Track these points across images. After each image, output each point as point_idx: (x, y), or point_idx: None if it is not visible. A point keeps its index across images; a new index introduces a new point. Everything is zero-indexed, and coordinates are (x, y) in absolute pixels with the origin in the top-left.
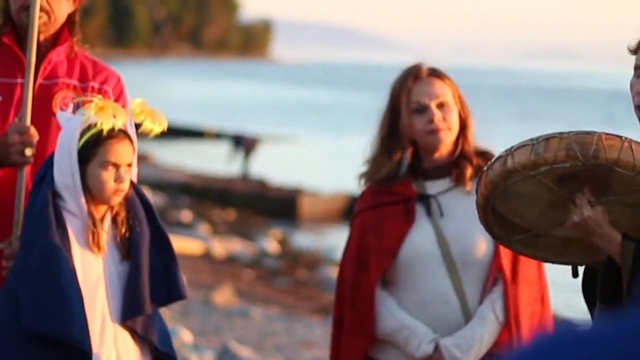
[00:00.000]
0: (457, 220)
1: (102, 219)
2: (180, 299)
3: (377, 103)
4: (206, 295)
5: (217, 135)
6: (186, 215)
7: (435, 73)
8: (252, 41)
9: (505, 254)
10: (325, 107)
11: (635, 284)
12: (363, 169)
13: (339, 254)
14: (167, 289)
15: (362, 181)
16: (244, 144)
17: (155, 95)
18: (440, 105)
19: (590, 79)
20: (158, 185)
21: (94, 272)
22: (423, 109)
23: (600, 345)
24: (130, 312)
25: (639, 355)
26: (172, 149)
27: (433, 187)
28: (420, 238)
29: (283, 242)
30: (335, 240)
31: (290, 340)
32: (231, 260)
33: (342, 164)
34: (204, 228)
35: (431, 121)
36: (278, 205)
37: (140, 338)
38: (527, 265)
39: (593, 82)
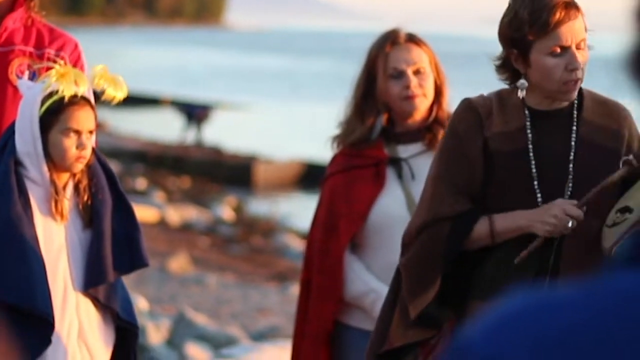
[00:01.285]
0: None
1: (64, 187)
2: (143, 267)
3: (333, 70)
4: (161, 263)
5: (172, 103)
6: (141, 183)
7: (412, 39)
8: (206, 8)
9: None
10: (280, 74)
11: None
12: (336, 132)
13: (294, 220)
14: (130, 256)
15: (335, 144)
16: (196, 115)
17: (110, 63)
18: (417, 72)
19: None
20: (113, 153)
21: (57, 241)
22: (399, 75)
23: (570, 311)
24: (92, 281)
25: (610, 320)
26: (126, 116)
27: (405, 151)
28: (390, 202)
29: (238, 210)
30: (290, 207)
31: (245, 307)
32: (186, 227)
33: (297, 131)
34: (158, 196)
35: (407, 87)
36: (233, 173)
37: (102, 306)
38: None
39: None
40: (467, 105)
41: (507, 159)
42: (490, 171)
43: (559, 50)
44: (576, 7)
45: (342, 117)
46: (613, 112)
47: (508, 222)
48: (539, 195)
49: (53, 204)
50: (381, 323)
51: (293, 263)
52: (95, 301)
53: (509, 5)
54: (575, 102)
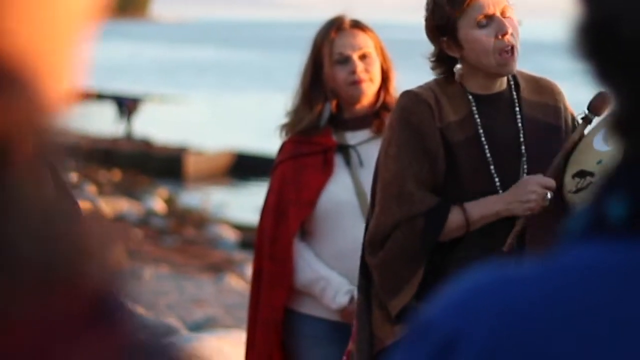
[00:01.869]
0: None
1: None
2: None
3: (259, 60)
4: None
5: (99, 97)
6: (71, 177)
7: (357, 25)
8: (130, 1)
9: None
10: (207, 65)
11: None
12: (284, 120)
13: (226, 211)
14: None
15: (283, 132)
16: (126, 106)
17: None
18: (363, 57)
19: None
20: None
21: None
22: (345, 60)
23: (529, 286)
24: None
25: (568, 294)
26: None
27: (353, 137)
28: (338, 189)
29: (170, 201)
30: (222, 197)
31: (181, 298)
32: (118, 220)
33: (226, 122)
34: (90, 189)
35: (353, 72)
36: (163, 165)
37: None
38: None
39: None
40: (415, 97)
41: (462, 148)
42: (449, 161)
43: (484, 19)
44: None
45: (290, 105)
46: (547, 89)
47: (483, 209)
48: (496, 179)
49: None
50: (362, 329)
51: (227, 254)
52: None
53: (426, 3)
54: (512, 83)
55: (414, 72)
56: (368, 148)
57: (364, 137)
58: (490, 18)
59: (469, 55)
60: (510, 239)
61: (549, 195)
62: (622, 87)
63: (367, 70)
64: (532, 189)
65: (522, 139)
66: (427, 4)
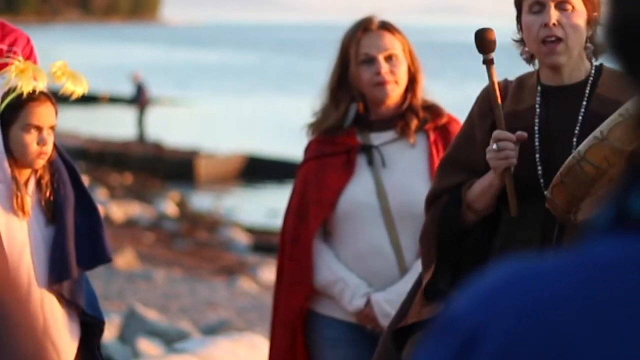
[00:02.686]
0: (399, 172)
1: (26, 183)
2: (106, 262)
3: (270, 63)
4: None
5: (111, 100)
6: (83, 181)
7: (385, 26)
8: (141, 4)
9: None
10: (218, 68)
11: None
12: (311, 119)
13: (238, 214)
14: (93, 252)
15: (309, 132)
16: (139, 101)
17: (46, 62)
18: (389, 58)
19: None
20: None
21: (19, 237)
22: (371, 61)
23: (554, 279)
24: (56, 277)
25: (591, 287)
26: (65, 114)
27: (377, 138)
28: (359, 189)
29: (181, 204)
30: (234, 200)
31: (194, 301)
32: (130, 224)
33: (238, 125)
34: (101, 192)
35: (378, 73)
36: (175, 168)
37: (67, 302)
38: None
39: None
40: (486, 89)
41: None
42: None
43: (537, 7)
44: None
45: (316, 105)
46: None
47: (476, 185)
48: (539, 168)
49: (15, 200)
50: (406, 300)
51: (239, 256)
52: (60, 297)
53: None
54: (591, 78)
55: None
56: (391, 149)
57: (388, 138)
58: (542, 5)
59: (525, 39)
60: (511, 201)
61: (494, 146)
62: None
63: (392, 72)
64: (487, 149)
65: (576, 132)
66: None
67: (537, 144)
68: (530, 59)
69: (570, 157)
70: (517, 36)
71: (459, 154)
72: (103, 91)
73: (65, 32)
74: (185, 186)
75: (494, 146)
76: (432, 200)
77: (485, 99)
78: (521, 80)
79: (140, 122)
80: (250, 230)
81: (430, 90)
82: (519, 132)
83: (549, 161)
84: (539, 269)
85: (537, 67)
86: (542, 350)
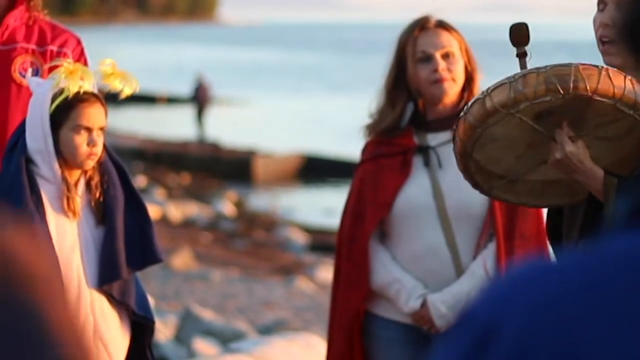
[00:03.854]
0: (455, 173)
1: (76, 184)
2: (156, 263)
3: (327, 63)
4: (165, 260)
5: (169, 100)
6: (141, 181)
7: (442, 24)
8: (198, 4)
9: (501, 209)
10: (276, 68)
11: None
12: (368, 120)
13: (295, 214)
14: (143, 252)
15: (366, 133)
16: (199, 98)
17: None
18: (446, 56)
19: (536, 31)
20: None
21: (69, 238)
22: (428, 59)
23: (571, 276)
24: (106, 277)
25: (616, 281)
26: (124, 115)
27: (434, 139)
28: (416, 190)
29: (239, 204)
30: (291, 200)
31: (251, 301)
32: (188, 224)
33: (295, 125)
34: (159, 193)
35: (435, 71)
36: (232, 168)
37: (117, 303)
38: (525, 220)
39: (539, 34)
40: None
41: None
42: None
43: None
44: None
45: (373, 105)
46: None
47: None
48: None
49: (65, 201)
50: None
51: (296, 256)
52: (110, 298)
53: None
54: None
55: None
56: (448, 150)
57: (444, 138)
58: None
59: None
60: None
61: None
62: None
63: (449, 70)
64: None
65: None
66: None
67: None
68: None
69: (480, 92)
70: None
71: None
72: (161, 92)
73: (122, 33)
74: (242, 186)
75: None
76: None
77: None
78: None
79: (200, 122)
80: (307, 230)
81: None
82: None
83: None
84: (556, 267)
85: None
86: (556, 347)
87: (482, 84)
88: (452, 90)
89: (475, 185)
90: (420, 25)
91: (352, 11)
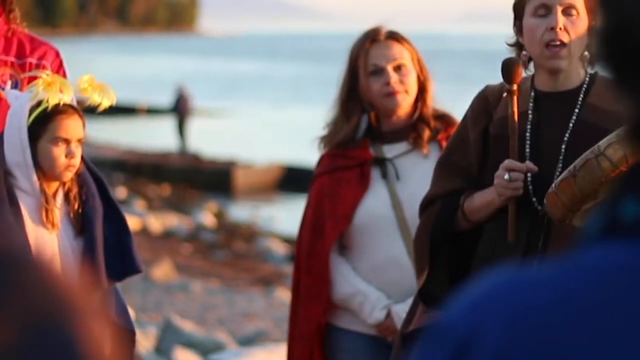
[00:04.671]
0: (413, 183)
1: (54, 196)
2: (136, 273)
3: (308, 73)
4: (145, 271)
5: (149, 111)
6: (121, 192)
7: (393, 36)
8: (178, 15)
9: None
10: (256, 79)
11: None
12: (322, 132)
13: (276, 225)
14: (122, 263)
15: (321, 145)
16: (179, 109)
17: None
18: (398, 68)
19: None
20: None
21: (49, 250)
22: (380, 72)
23: (544, 287)
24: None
25: (583, 294)
26: (104, 126)
27: (390, 150)
28: (375, 202)
29: (219, 215)
30: (271, 211)
31: (231, 312)
32: (168, 235)
33: (275, 135)
34: (139, 204)
35: (387, 84)
36: (213, 179)
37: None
38: None
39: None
40: (480, 92)
41: (503, 142)
42: (487, 155)
43: (543, 10)
44: None
45: (328, 117)
46: None
47: (476, 199)
48: (529, 175)
49: (44, 213)
50: (412, 305)
51: (276, 267)
52: None
53: None
54: (585, 86)
55: (462, 82)
56: (405, 161)
57: (400, 149)
58: (548, 9)
59: (525, 43)
60: (509, 226)
61: (506, 176)
62: (637, 92)
63: (402, 82)
64: (496, 174)
65: (565, 139)
66: None
67: (527, 150)
68: (526, 63)
69: (589, 150)
70: (511, 40)
71: (453, 158)
72: (141, 102)
73: (103, 44)
74: (222, 197)
75: (506, 176)
76: (426, 205)
77: (480, 104)
78: (518, 84)
79: (181, 133)
80: (288, 241)
81: (440, 99)
82: (529, 163)
83: (537, 168)
84: (531, 277)
85: (531, 72)
86: (539, 356)
87: (434, 92)
88: (405, 102)
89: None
90: (371, 38)
91: (333, 21)
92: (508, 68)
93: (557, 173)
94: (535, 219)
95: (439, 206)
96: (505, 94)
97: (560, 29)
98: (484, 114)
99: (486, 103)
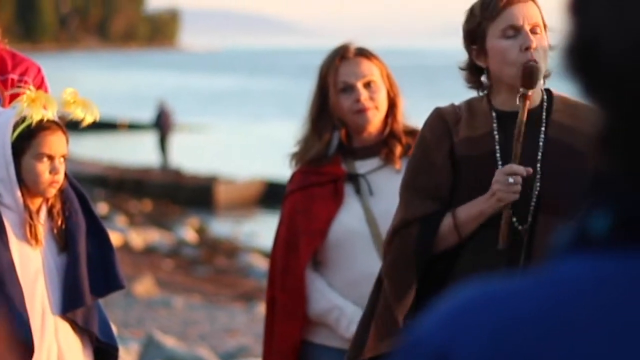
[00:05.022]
0: (387, 198)
1: (37, 212)
2: (119, 289)
3: (289, 88)
4: (127, 287)
5: (130, 127)
6: (102, 208)
7: (362, 53)
8: (159, 31)
9: None
10: (237, 93)
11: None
12: (293, 149)
13: (257, 240)
14: (106, 279)
15: (293, 162)
16: (161, 124)
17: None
18: (367, 85)
19: None
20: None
21: (33, 265)
22: (349, 89)
23: (520, 300)
24: (70, 304)
25: (558, 307)
26: (85, 141)
27: (362, 166)
28: (349, 218)
29: (201, 231)
30: (253, 226)
31: (213, 328)
32: (150, 250)
33: (256, 150)
34: (120, 220)
35: (357, 101)
36: (194, 194)
37: (81, 329)
38: None
39: None
40: (436, 113)
41: (473, 163)
42: (457, 176)
43: (511, 32)
44: None
45: (299, 134)
46: (583, 114)
47: (469, 209)
48: None
49: (28, 229)
50: (358, 335)
51: (258, 282)
52: (74, 324)
53: (466, 11)
54: (545, 104)
55: (440, 98)
56: (377, 176)
57: (373, 165)
58: (517, 31)
59: (492, 64)
60: (501, 234)
61: (510, 180)
62: (604, 104)
63: (372, 98)
64: (495, 179)
65: (539, 158)
66: (466, 11)
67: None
68: (480, 86)
69: None
70: (464, 64)
71: (421, 182)
72: (122, 118)
73: (84, 60)
74: (204, 212)
75: (510, 179)
76: (398, 229)
77: (440, 126)
78: (471, 105)
79: (163, 149)
80: (269, 256)
81: (413, 115)
82: (527, 168)
83: None
84: (503, 290)
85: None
86: None
87: (405, 108)
88: (375, 119)
89: None
90: (341, 55)
91: (313, 36)
92: (533, 73)
93: (536, 192)
94: (516, 237)
95: (418, 229)
96: (518, 99)
97: (534, 48)
98: (445, 136)
99: (445, 125)
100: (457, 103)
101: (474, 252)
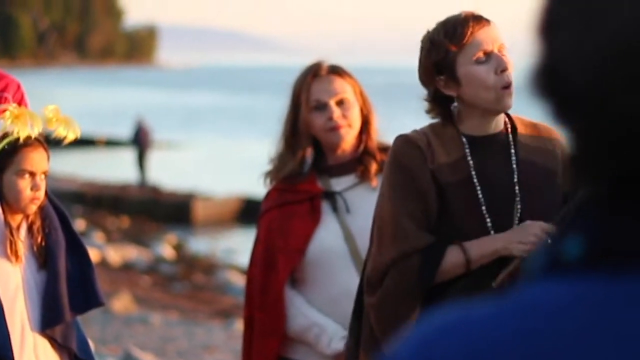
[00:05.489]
0: (363, 216)
1: (18, 228)
2: (98, 306)
3: (266, 105)
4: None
5: (108, 143)
6: (80, 224)
7: (334, 70)
8: (137, 47)
9: None
10: (214, 110)
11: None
12: (268, 167)
13: (235, 257)
14: (85, 296)
15: (267, 180)
16: (140, 141)
17: (42, 106)
18: (340, 102)
19: None
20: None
21: (13, 282)
22: (322, 107)
23: (492, 325)
24: (49, 321)
25: (529, 332)
26: (62, 158)
27: (338, 183)
28: (327, 235)
29: (178, 247)
30: (231, 243)
31: (191, 345)
32: (127, 267)
33: (234, 167)
34: (98, 236)
35: (330, 118)
36: (172, 211)
37: (59, 346)
38: None
39: None
40: (406, 140)
41: (454, 189)
42: (441, 202)
43: (483, 56)
44: (485, 18)
45: (273, 152)
46: (544, 133)
47: (482, 247)
48: (488, 220)
49: (8, 246)
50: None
51: (236, 299)
52: (52, 341)
53: (421, 45)
54: (508, 126)
55: (416, 115)
56: (354, 194)
57: (348, 183)
58: (488, 55)
59: (466, 91)
60: (502, 275)
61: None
62: (573, 128)
63: (344, 116)
64: (534, 232)
65: (516, 181)
66: (423, 43)
67: (480, 196)
68: (448, 116)
69: None
70: (428, 97)
71: (413, 210)
72: (100, 135)
73: (61, 76)
74: (182, 229)
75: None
76: (398, 261)
77: (412, 151)
78: (435, 130)
79: (141, 165)
80: (246, 274)
81: (385, 133)
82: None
83: (496, 212)
84: (478, 314)
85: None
86: None
87: (379, 125)
88: (349, 136)
89: None
90: (313, 72)
91: (291, 53)
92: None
93: (517, 215)
94: (501, 263)
95: (420, 262)
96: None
97: (509, 70)
98: (423, 162)
99: (419, 150)
100: (418, 129)
101: (466, 287)
